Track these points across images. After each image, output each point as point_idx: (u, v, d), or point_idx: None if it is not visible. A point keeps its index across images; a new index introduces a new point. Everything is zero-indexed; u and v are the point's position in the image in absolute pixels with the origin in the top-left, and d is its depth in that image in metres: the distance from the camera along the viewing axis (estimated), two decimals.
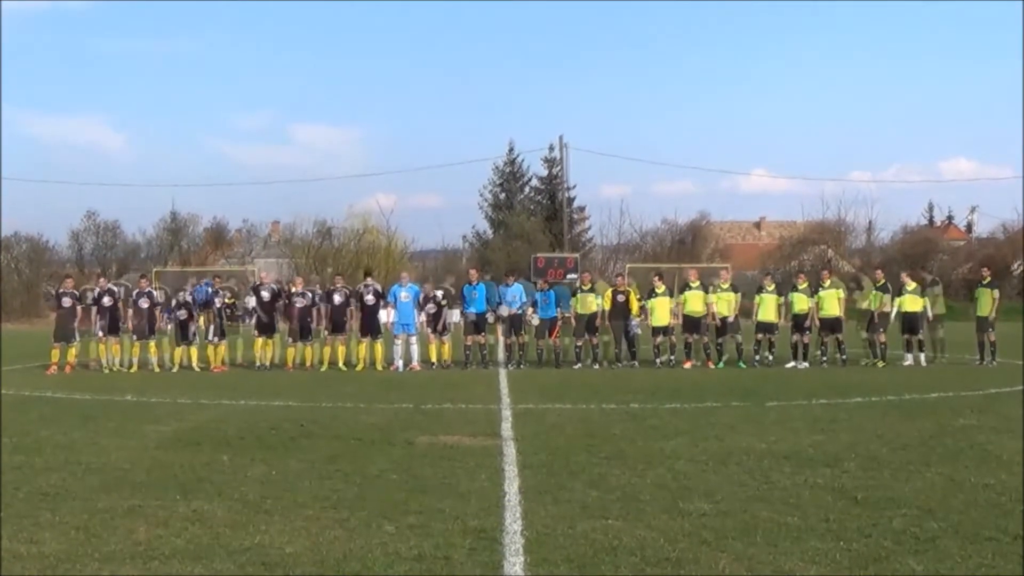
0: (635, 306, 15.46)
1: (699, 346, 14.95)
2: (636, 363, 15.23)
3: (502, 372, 14.14)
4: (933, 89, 76.82)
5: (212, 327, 15.19)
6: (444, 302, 14.83)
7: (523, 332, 15.06)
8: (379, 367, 14.87)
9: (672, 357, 14.95)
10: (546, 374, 13.98)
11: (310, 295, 15.18)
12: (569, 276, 24.84)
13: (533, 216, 49.56)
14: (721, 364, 14.92)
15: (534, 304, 14.98)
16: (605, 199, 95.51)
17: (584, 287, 15.22)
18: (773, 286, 15.84)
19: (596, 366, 15.32)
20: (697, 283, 15.25)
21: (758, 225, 65.01)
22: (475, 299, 14.95)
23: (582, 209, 51.11)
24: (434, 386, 11.93)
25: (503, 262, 43.31)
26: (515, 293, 15.25)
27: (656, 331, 15.11)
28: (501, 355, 16.28)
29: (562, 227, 47.47)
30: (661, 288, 15.57)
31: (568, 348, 15.30)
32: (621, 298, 15.66)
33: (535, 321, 15.07)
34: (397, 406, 9.92)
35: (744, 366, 14.73)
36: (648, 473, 6.08)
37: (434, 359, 15.35)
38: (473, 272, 15.71)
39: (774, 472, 6.12)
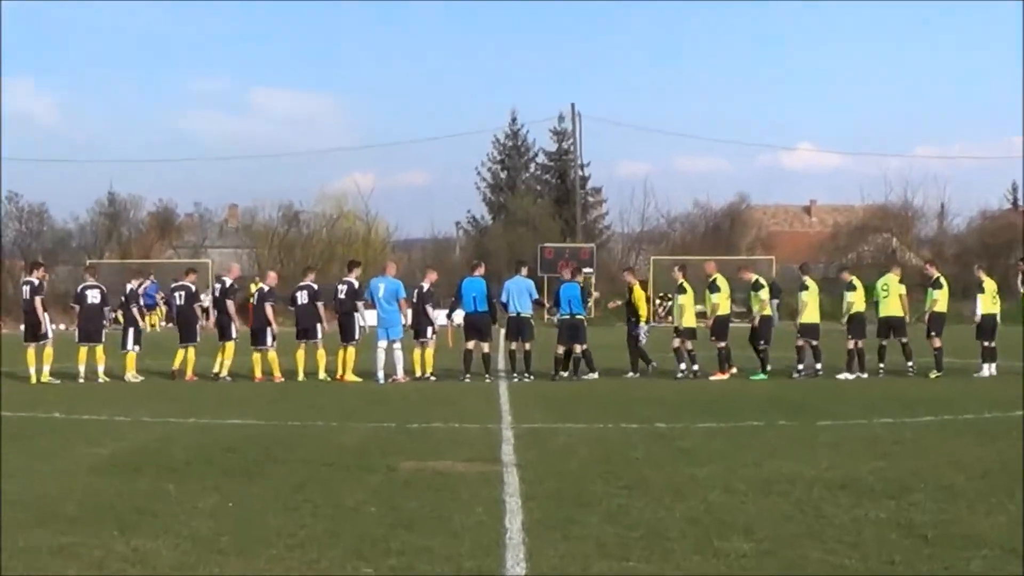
0: (643, 307, 15.49)
1: (725, 354, 14.91)
2: (638, 373, 15.22)
3: (502, 384, 13.95)
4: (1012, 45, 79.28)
5: (132, 331, 15.28)
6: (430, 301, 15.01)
7: (530, 337, 14.89)
8: (348, 377, 14.70)
9: (696, 368, 14.89)
10: (555, 387, 13.82)
11: (266, 290, 15.51)
12: (585, 270, 24.96)
13: (540, 199, 48.31)
14: (762, 375, 14.78)
15: (556, 303, 15.05)
16: (625, 178, 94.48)
17: (564, 278, 15.25)
18: (814, 282, 15.82)
19: (591, 375, 15.51)
20: (716, 277, 15.16)
21: (808, 210, 64.28)
22: (476, 297, 14.72)
23: (598, 190, 50.35)
24: (421, 401, 11.80)
25: (504, 253, 41.55)
26: (523, 289, 14.98)
27: (681, 334, 14.98)
28: (501, 364, 16.06)
29: (574, 212, 46.27)
30: (685, 284, 15.40)
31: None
32: (626, 296, 15.74)
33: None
34: (377, 425, 9.84)
35: (765, 377, 14.64)
36: (677, 506, 6.03)
37: (418, 370, 15.20)
38: (479, 266, 15.45)
39: (827, 504, 6.07)
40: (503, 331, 15.90)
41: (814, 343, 15.52)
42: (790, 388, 13.44)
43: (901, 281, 15.93)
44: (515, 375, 15.09)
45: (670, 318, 17.25)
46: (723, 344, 15.23)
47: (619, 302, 16.47)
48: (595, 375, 15.20)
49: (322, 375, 15.23)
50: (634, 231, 49.10)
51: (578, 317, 15.19)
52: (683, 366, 15.18)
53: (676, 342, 15.27)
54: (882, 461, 7.59)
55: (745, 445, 8.46)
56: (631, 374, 16.29)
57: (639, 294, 15.78)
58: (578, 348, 15.16)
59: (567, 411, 10.89)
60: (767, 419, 10.00)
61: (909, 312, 15.74)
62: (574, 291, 15.35)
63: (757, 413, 10.50)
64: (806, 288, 15.66)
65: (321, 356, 15.39)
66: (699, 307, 14.94)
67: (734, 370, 14.89)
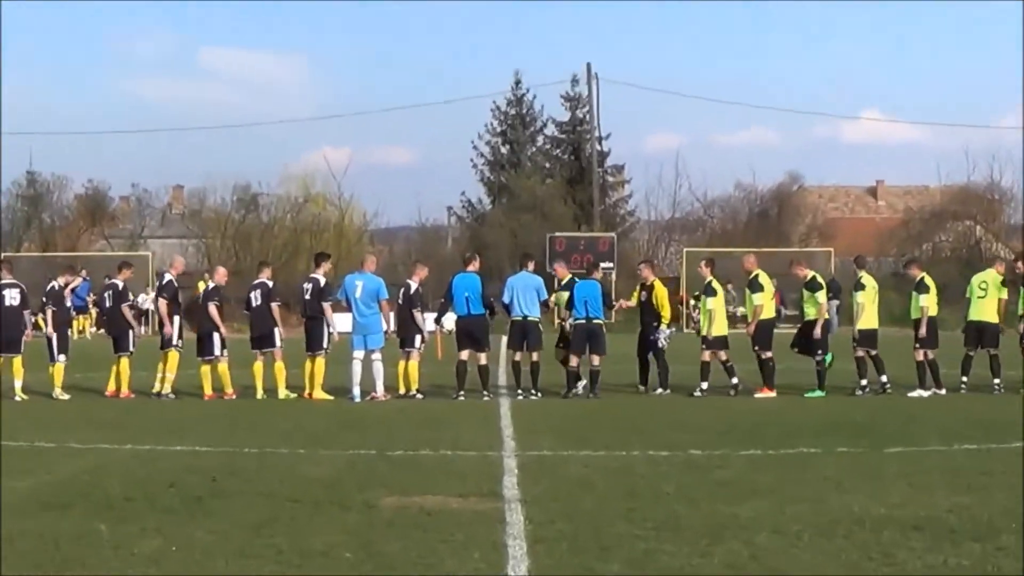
0: (666, 307, 15.47)
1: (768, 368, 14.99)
2: (665, 389, 15.19)
3: (504, 403, 13.84)
4: None
5: (57, 338, 15.15)
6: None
7: (537, 346, 14.86)
8: (316, 395, 14.64)
9: (736, 382, 14.78)
10: (567, 406, 13.74)
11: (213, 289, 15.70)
12: (603, 266, 24.02)
13: (549, 178, 47.35)
14: (819, 392, 14.64)
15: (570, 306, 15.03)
16: (652, 154, 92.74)
17: (563, 279, 15.71)
18: (872, 280, 15.60)
19: (592, 395, 14.75)
20: (758, 274, 14.99)
21: (873, 192, 63.71)
22: (470, 298, 14.65)
23: (619, 168, 49.26)
24: (406, 424, 11.64)
25: (506, 244, 40.76)
26: (530, 288, 14.87)
27: (709, 343, 14.94)
28: (502, 378, 16.12)
29: (590, 194, 45.42)
30: (715, 283, 15.31)
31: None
32: (643, 296, 15.53)
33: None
34: (353, 453, 9.77)
35: (822, 394, 14.54)
36: (715, 550, 5.98)
37: (401, 386, 15.02)
38: (474, 260, 15.28)
39: (899, 548, 6.01)
40: (505, 338, 15.59)
41: (873, 353, 15.23)
42: (852, 408, 13.19)
43: (1003, 283, 15.57)
44: (519, 392, 14.85)
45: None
46: (768, 354, 14.98)
47: (631, 303, 16.20)
48: (579, 391, 14.87)
49: (283, 393, 15.02)
50: (663, 217, 48.47)
51: (596, 322, 14.99)
52: (705, 385, 14.98)
53: (706, 355, 15.01)
54: (966, 496, 7.51)
55: (798, 477, 8.33)
56: (659, 391, 16.20)
57: (661, 292, 15.63)
58: (595, 360, 15.00)
59: (582, 436, 10.73)
60: (825, 445, 9.86)
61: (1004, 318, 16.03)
62: (592, 290, 15.11)
63: (813, 438, 10.34)
64: (862, 287, 15.40)
65: (280, 370, 15.17)
66: (740, 309, 15.24)
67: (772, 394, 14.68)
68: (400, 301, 15.46)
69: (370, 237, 49.02)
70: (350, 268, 18.07)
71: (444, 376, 16.27)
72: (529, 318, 15.12)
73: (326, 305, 15.31)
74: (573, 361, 15.15)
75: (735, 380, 15.11)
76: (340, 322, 15.73)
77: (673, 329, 15.81)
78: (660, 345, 15.53)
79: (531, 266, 15.79)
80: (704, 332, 15.23)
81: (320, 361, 15.16)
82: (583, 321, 15.09)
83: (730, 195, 48.12)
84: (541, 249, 37.31)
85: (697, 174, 67.88)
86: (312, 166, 62.51)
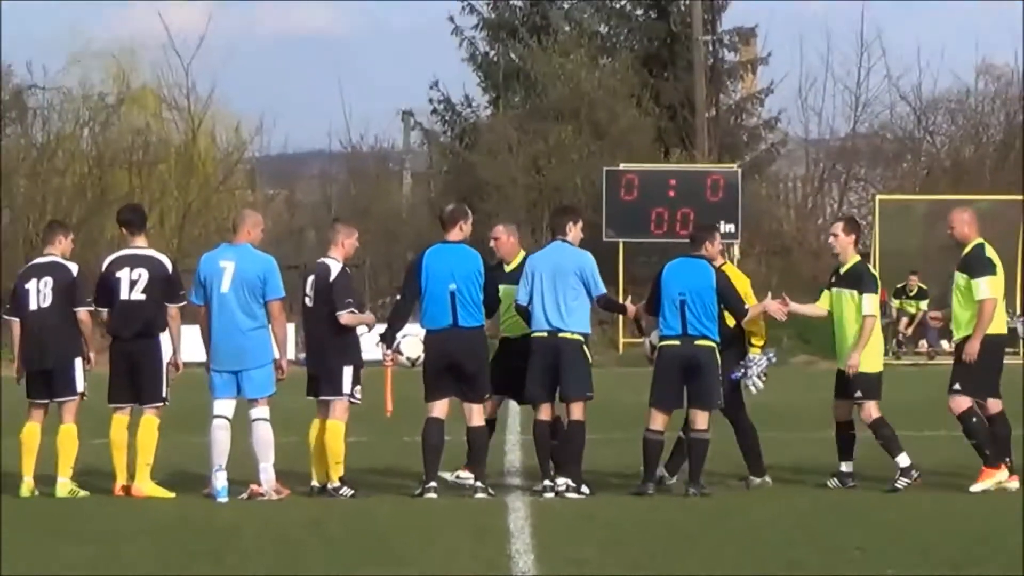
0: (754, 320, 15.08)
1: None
2: (760, 477, 14.11)
3: (517, 507, 13.69)
4: None
5: None
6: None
7: (581, 387, 13.54)
8: (142, 488, 13.97)
9: (914, 471, 13.90)
10: (643, 512, 12.33)
11: None
12: (726, 228, 23.56)
13: (607, 56, 40.69)
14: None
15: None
16: (811, 17, 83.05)
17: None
18: None
19: (693, 490, 13.46)
20: (978, 247, 14.21)
21: None
22: (455, 295, 13.52)
23: (746, 36, 42.17)
24: (321, 555, 10.74)
25: (521, 188, 36.17)
26: (568, 272, 14.03)
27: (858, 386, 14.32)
28: (515, 456, 15.58)
29: (690, 87, 39.12)
30: (990, 255, 14.43)
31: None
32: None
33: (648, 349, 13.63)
34: None
35: None
36: None
37: (314, 473, 14.33)
38: (460, 218, 14.21)
39: None
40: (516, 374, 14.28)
41: None
42: None
43: None
44: (546, 484, 14.02)
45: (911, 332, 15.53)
46: (997, 403, 14.25)
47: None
48: (667, 481, 13.54)
49: (65, 487, 14.14)
50: (836, 137, 42.10)
51: (703, 344, 14.04)
52: (846, 467, 14.53)
53: (961, 403, 13.87)
54: None
55: None
56: (757, 480, 14.38)
57: (740, 282, 15.05)
58: (699, 420, 13.89)
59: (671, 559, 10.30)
60: None
61: None
62: (698, 279, 14.22)
63: None
64: None
65: (67, 438, 14.03)
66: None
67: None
68: (310, 300, 14.27)
69: (250, 174, 43.42)
70: (208, 237, 16.39)
71: (396, 452, 15.78)
72: (566, 333, 13.84)
73: (173, 309, 14.01)
74: (655, 421, 14.05)
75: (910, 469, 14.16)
76: (191, 342, 14.52)
77: (771, 356, 15.16)
78: (749, 387, 14.61)
79: (572, 231, 14.38)
80: (955, 337, 14.44)
81: (150, 421, 14.00)
82: (676, 342, 13.84)
83: (965, 91, 41.07)
84: (592, 198, 33.15)
85: (895, 56, 47.60)
86: (134, 34, 58.13)
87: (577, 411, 14.43)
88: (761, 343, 15.44)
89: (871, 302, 15.22)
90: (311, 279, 14.89)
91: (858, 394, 15.09)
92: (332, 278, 14.66)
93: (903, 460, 15.10)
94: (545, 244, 15.17)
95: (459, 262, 14.53)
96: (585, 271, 14.54)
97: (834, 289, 15.26)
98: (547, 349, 14.49)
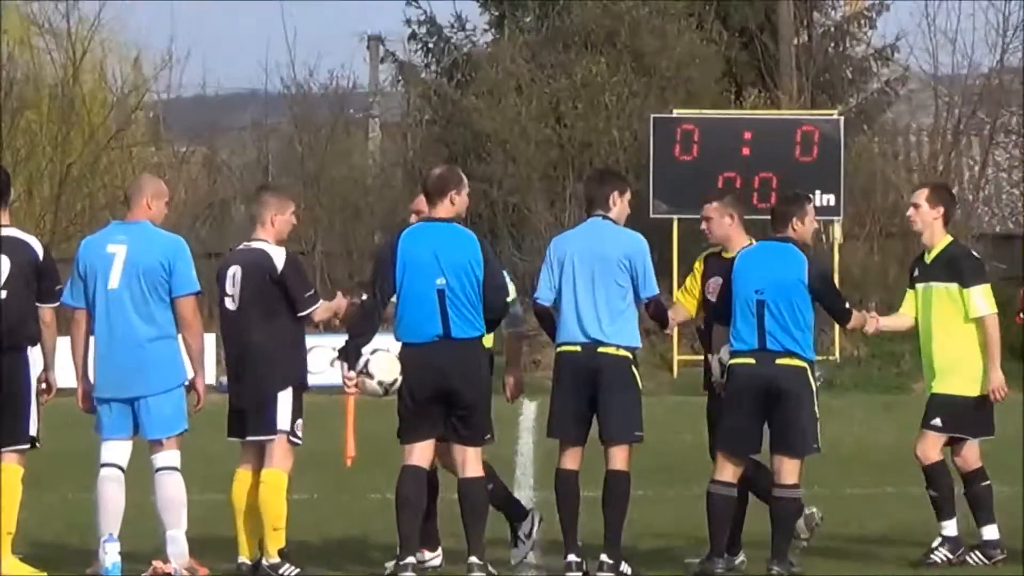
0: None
1: None
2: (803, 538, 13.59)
3: None
4: None
5: None
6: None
7: (628, 425, 13.11)
8: (4, 569, 13.68)
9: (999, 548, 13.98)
10: None
11: None
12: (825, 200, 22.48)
13: None
14: None
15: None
16: None
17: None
18: None
19: (776, 569, 13.32)
20: None
21: None
22: (446, 293, 13.24)
23: None
24: None
25: (529, 148, 33.47)
26: (611, 263, 13.24)
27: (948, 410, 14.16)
28: (535, 532, 14.19)
29: (773, 4, 35.85)
30: None
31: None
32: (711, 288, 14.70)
33: (716, 370, 14.07)
34: None
35: None
36: None
37: (242, 543, 13.58)
38: (449, 192, 13.87)
39: None
40: (532, 408, 15.48)
41: None
42: None
43: None
44: (572, 560, 13.17)
45: None
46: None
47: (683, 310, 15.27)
48: (737, 560, 13.01)
49: None
50: (977, 74, 38.37)
51: (790, 364, 13.13)
52: (949, 528, 14.18)
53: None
54: None
55: None
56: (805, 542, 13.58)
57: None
58: (785, 471, 13.45)
59: None
60: None
61: None
62: (785, 272, 13.58)
63: None
64: None
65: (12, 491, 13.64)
66: None
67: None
68: (233, 302, 13.50)
69: (153, 125, 40.05)
70: (94, 213, 16.17)
71: (364, 510, 15.70)
72: (608, 349, 12.85)
73: (47, 311, 13.35)
74: (724, 470, 13.31)
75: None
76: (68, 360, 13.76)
77: (819, 377, 14.42)
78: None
79: (617, 204, 13.34)
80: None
81: (13, 471, 13.40)
82: (750, 360, 12.90)
83: None
84: (634, 158, 30.51)
85: None
86: None
87: (620, 458, 13.47)
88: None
89: (983, 296, 14.44)
90: (235, 272, 13.59)
91: (951, 427, 14.67)
92: (279, 269, 13.78)
93: (990, 532, 14.78)
94: (580, 221, 14.59)
95: (450, 247, 13.29)
96: (636, 261, 13.54)
97: (919, 285, 14.64)
98: (581, 370, 13.46)
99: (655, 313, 14.29)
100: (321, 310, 14.25)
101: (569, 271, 13.89)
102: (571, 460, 13.96)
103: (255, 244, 14.10)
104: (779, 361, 13.83)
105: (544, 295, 13.77)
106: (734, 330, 14.02)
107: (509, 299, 14.13)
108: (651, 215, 29.25)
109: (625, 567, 13.83)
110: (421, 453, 13.64)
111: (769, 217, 14.59)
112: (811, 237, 15.07)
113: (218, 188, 38.32)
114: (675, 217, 30.43)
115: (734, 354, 13.98)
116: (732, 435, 14.12)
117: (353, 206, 31.92)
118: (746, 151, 31.13)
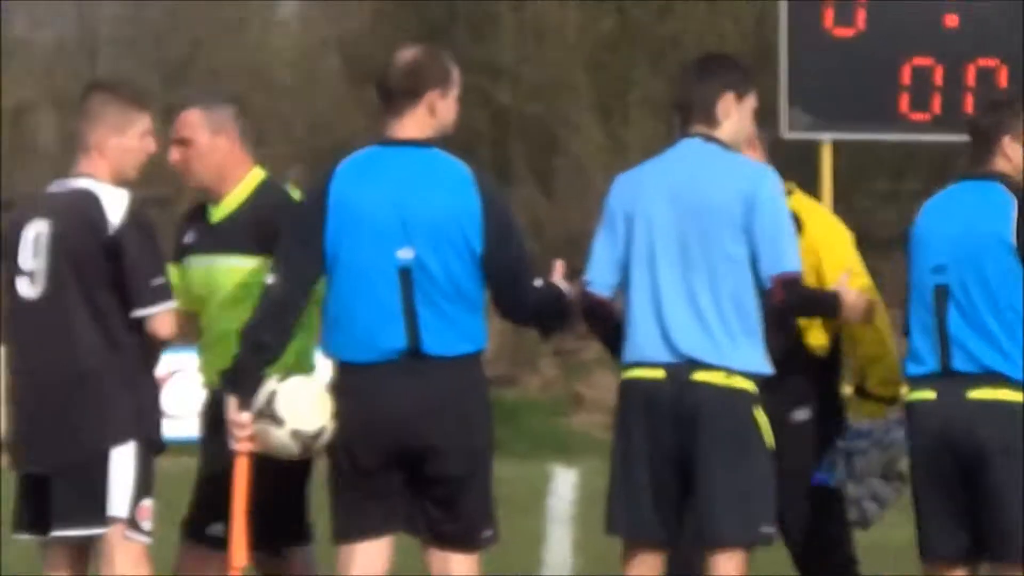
0: (869, 338, 13.81)
1: None
2: None
3: None
4: None
5: None
6: None
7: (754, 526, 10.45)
8: None
9: None
10: None
11: None
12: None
13: None
14: None
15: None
16: None
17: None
18: None
19: None
20: None
21: None
22: (418, 278, 11.55)
23: None
24: None
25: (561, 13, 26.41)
26: (727, 224, 11.27)
27: None
28: None
29: None
30: None
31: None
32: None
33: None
34: None
35: None
36: None
37: None
38: (425, 93, 12.43)
39: None
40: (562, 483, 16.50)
41: None
42: None
43: None
44: None
45: None
46: None
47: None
48: None
49: None
50: None
51: (987, 396, 9.60)
52: None
53: None
54: None
55: None
56: None
57: (828, 229, 12.61)
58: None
59: None
60: None
61: None
62: (987, 232, 11.41)
63: None
64: None
65: None
66: None
67: None
68: (33, 285, 11.73)
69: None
70: None
71: None
72: (714, 375, 9.21)
73: None
74: None
75: None
76: None
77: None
78: (855, 510, 10.88)
79: (730, 115, 9.08)
80: None
81: None
82: (929, 394, 10.18)
83: None
84: (749, 40, 21.75)
85: None
86: None
87: (731, 566, 9.57)
88: (887, 394, 10.39)
89: None
90: (38, 231, 9.86)
91: None
92: (113, 226, 9.61)
93: None
94: (672, 143, 10.03)
95: (424, 193, 9.07)
96: (760, 212, 8.97)
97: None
98: (665, 411, 9.26)
99: (793, 304, 9.26)
100: (164, 320, 9.98)
101: (644, 236, 9.23)
102: (647, 566, 9.74)
103: (76, 183, 10.31)
104: (972, 394, 9.65)
105: (599, 278, 9.20)
106: (910, 342, 9.88)
107: (536, 282, 8.94)
108: (785, 134, 17.30)
109: None
110: (368, 560, 9.50)
111: (969, 135, 9.87)
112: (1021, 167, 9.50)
113: (16, 92, 24.62)
114: (826, 137, 18.26)
115: (911, 382, 9.87)
116: (932, 531, 9.94)
117: (256, 115, 17.25)
118: (950, 22, 17.45)
